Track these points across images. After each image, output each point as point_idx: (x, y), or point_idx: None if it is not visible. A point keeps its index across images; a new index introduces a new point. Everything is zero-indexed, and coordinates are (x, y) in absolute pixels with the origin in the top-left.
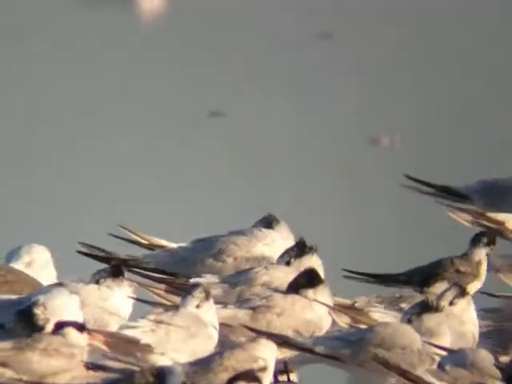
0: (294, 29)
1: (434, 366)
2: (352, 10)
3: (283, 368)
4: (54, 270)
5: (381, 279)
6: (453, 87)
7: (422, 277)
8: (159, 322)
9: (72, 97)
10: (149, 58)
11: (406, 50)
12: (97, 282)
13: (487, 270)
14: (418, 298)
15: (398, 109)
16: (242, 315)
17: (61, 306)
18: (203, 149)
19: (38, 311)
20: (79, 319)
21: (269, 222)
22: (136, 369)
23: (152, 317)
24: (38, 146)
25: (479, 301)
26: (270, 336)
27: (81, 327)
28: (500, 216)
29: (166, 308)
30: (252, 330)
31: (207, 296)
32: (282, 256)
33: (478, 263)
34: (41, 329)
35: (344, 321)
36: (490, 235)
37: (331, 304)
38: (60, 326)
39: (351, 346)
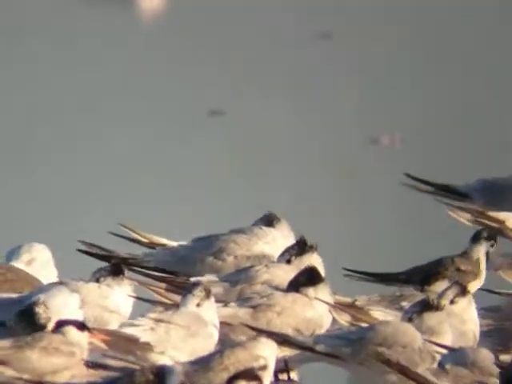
0: (294, 29)
1: (435, 365)
2: (352, 10)
3: (284, 367)
4: (55, 268)
5: (381, 278)
6: (453, 87)
7: (423, 275)
8: (159, 321)
9: (72, 97)
10: (149, 58)
11: (406, 49)
12: (97, 281)
13: (487, 269)
14: (419, 296)
15: (398, 108)
16: (243, 314)
17: (61, 305)
18: (203, 149)
19: (39, 310)
20: (79, 318)
21: (269, 220)
22: (136, 367)
23: (152, 315)
24: (38, 146)
25: (480, 299)
26: (271, 334)
27: (81, 326)
28: (500, 215)
29: (167, 307)
30: (252, 328)
31: (208, 295)
32: (282, 254)
33: (477, 260)
34: (43, 328)
35: (345, 319)
36: (490, 233)
37: (332, 302)
38: (60, 325)
39: (352, 344)
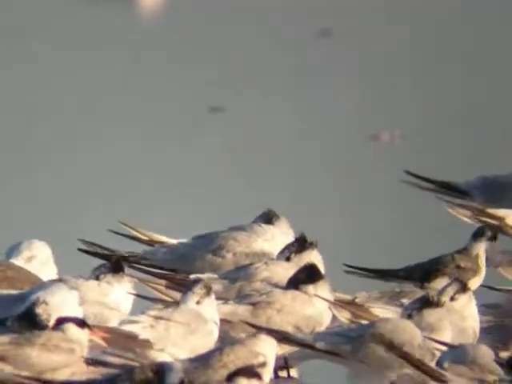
0: (294, 28)
1: (434, 362)
2: (352, 9)
3: (283, 364)
4: (55, 265)
5: (381, 274)
6: (453, 87)
7: (423, 272)
8: (159, 318)
9: (72, 97)
10: (149, 57)
11: (406, 50)
12: (97, 278)
13: (487, 266)
14: (419, 293)
15: (398, 108)
16: (242, 311)
17: (60, 302)
18: (203, 148)
19: (40, 310)
20: (79, 315)
21: (268, 218)
22: (136, 364)
23: (152, 312)
24: (38, 145)
25: (480, 296)
26: (270, 332)
27: (81, 323)
28: (500, 212)
29: (167, 304)
30: (252, 325)
31: (208, 292)
32: (282, 251)
33: (476, 256)
34: (44, 327)
35: (345, 316)
36: (491, 230)
37: (331, 299)
38: (60, 322)
39: (352, 341)
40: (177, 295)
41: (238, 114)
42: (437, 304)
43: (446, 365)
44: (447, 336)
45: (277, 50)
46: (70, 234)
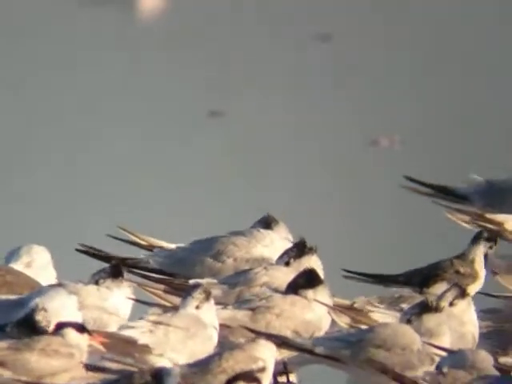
0: (293, 29)
1: (434, 367)
2: (352, 10)
3: (283, 369)
4: (54, 270)
5: (380, 279)
6: (453, 87)
7: (422, 278)
8: (158, 323)
9: (72, 97)
10: (149, 58)
11: (406, 50)
12: (96, 283)
13: (486, 271)
14: (418, 298)
15: (398, 110)
16: (242, 316)
17: (59, 307)
18: (203, 149)
19: (39, 317)
20: (78, 320)
21: (267, 223)
22: (134, 370)
23: (151, 317)
24: (38, 146)
25: (479, 301)
26: (270, 337)
27: (81, 328)
28: (499, 217)
29: (165, 309)
30: (251, 330)
31: (207, 297)
32: (281, 256)
33: (475, 262)
34: (44, 333)
35: (344, 321)
36: (490, 234)
37: (331, 304)
38: (60, 327)
39: (351, 346)
40: (176, 300)
41: (238, 114)
42: (436, 309)
43: (445, 370)
44: (446, 341)
45: (277, 50)
46: (69, 236)
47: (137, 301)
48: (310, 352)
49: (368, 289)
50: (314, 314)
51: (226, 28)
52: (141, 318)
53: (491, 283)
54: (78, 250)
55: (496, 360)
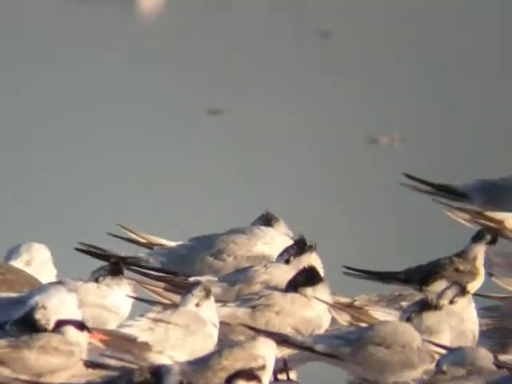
0: (293, 28)
1: (433, 365)
2: (352, 9)
3: (283, 366)
4: (54, 268)
5: (380, 276)
6: (453, 86)
7: (422, 275)
8: (158, 321)
9: (72, 97)
10: (149, 58)
11: (406, 50)
12: (96, 281)
13: (485, 269)
14: (418, 296)
15: (398, 108)
16: (241, 314)
17: (59, 305)
18: (203, 147)
19: (39, 315)
20: (78, 317)
21: (267, 220)
22: (134, 367)
23: (151, 315)
24: (38, 146)
25: (479, 299)
26: (270, 334)
27: (81, 325)
28: (498, 215)
29: (165, 306)
30: (251, 328)
31: (207, 294)
32: (281, 254)
33: (474, 259)
34: (44, 331)
35: (344, 319)
36: (491, 232)
37: (331, 302)
38: (59, 324)
39: (351, 344)
40: (176, 298)
41: (238, 114)
42: (436, 307)
43: (444, 367)
44: (446, 339)
45: (277, 50)
46: (69, 235)
47: (137, 299)
48: (310, 350)
49: (368, 286)
50: (314, 312)
51: (226, 28)
52: (141, 316)
53: (490, 282)
54: (77, 249)
55: (496, 357)
